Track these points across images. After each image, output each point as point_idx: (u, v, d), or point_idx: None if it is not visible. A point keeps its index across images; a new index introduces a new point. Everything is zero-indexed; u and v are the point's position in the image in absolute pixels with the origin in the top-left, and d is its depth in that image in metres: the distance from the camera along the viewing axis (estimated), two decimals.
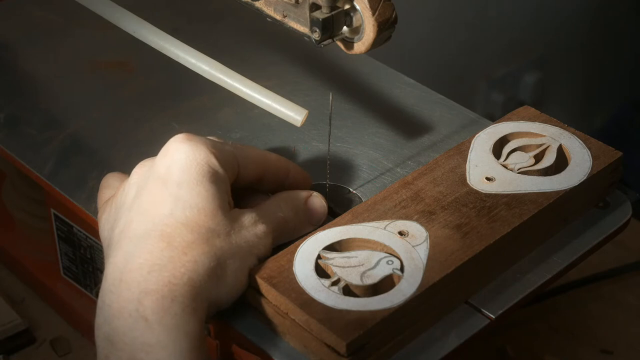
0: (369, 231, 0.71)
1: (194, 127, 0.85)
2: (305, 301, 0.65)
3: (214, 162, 0.68)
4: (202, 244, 0.65)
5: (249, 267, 0.68)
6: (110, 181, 0.75)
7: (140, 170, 0.70)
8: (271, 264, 0.68)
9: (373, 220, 0.72)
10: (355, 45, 0.71)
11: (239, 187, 0.72)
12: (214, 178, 0.68)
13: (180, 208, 0.66)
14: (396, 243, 0.70)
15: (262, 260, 0.69)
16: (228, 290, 0.67)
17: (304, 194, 0.74)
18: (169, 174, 0.68)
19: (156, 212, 0.67)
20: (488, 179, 0.75)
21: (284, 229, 0.71)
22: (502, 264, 0.73)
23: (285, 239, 0.72)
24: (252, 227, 0.69)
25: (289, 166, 0.75)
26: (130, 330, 0.63)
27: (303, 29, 0.71)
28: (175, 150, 0.68)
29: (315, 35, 0.70)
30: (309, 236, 0.70)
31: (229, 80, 0.75)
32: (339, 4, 0.69)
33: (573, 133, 0.80)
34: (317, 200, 0.74)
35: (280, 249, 0.70)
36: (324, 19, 0.69)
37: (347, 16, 0.70)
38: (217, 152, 0.69)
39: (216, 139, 0.72)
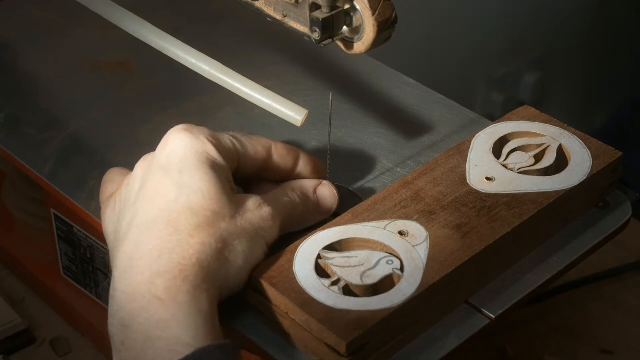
0: (369, 231, 0.71)
1: None
2: (305, 301, 0.65)
3: (212, 150, 0.69)
4: (207, 226, 0.66)
5: (259, 251, 0.68)
6: (113, 176, 0.75)
7: (144, 163, 0.71)
8: (271, 264, 0.68)
9: (373, 220, 0.72)
10: (355, 45, 0.71)
11: (243, 176, 0.73)
12: (213, 165, 0.68)
13: (184, 194, 0.67)
14: (396, 243, 0.70)
15: (270, 244, 0.69)
16: (237, 272, 0.67)
17: (312, 182, 0.74)
18: (170, 162, 0.68)
19: (161, 200, 0.67)
20: (488, 178, 0.75)
21: (291, 214, 0.71)
22: (502, 264, 0.72)
23: (294, 227, 0.72)
24: (257, 210, 0.69)
25: (297, 154, 0.75)
26: (144, 310, 0.63)
27: (303, 29, 0.71)
28: (174, 140, 0.69)
29: (315, 35, 0.70)
30: (309, 236, 0.70)
31: (229, 80, 0.75)
32: (339, 4, 0.69)
33: (573, 133, 0.80)
34: (327, 189, 0.74)
35: (281, 249, 0.70)
36: (324, 19, 0.69)
37: (347, 16, 0.70)
38: (215, 141, 0.70)
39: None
